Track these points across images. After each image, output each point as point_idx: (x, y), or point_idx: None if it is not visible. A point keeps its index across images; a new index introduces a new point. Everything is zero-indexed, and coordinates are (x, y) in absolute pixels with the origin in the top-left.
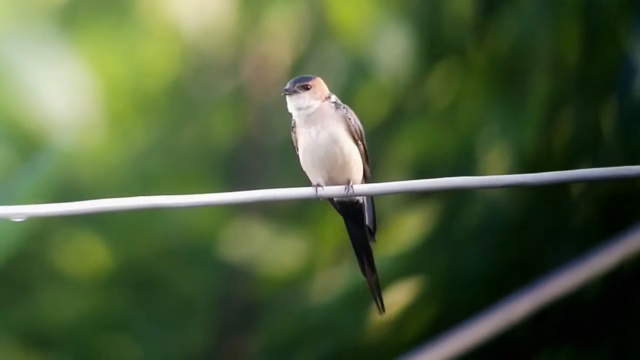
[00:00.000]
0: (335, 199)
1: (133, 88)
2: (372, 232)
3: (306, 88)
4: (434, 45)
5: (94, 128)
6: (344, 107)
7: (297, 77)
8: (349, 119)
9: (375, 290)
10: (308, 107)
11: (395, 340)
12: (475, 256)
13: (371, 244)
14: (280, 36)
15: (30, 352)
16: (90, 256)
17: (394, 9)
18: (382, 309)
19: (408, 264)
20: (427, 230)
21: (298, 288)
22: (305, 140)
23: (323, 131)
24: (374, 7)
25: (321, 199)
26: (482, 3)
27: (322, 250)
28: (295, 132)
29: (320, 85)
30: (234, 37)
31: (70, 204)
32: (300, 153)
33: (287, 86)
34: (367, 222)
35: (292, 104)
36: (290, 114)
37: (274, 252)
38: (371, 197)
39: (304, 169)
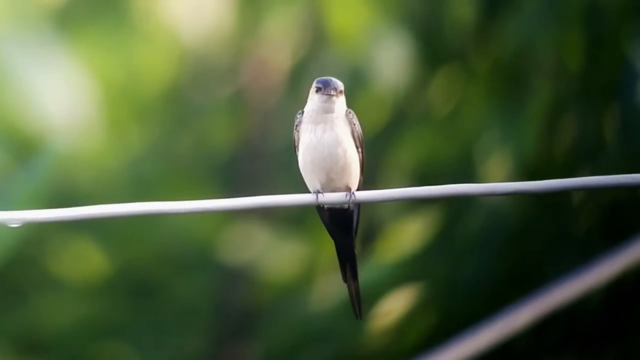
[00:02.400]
0: (326, 205)
1: (130, 92)
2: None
3: (341, 92)
4: (435, 51)
5: (91, 132)
6: (349, 111)
7: (326, 80)
8: (354, 124)
9: (355, 296)
10: (336, 112)
11: (395, 349)
12: (476, 264)
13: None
14: (279, 41)
15: (25, 359)
16: (86, 262)
17: (394, 15)
18: (359, 314)
19: (408, 271)
20: (427, 238)
21: (298, 294)
22: (310, 138)
23: (330, 131)
24: (374, 13)
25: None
26: (483, 9)
27: (322, 256)
28: (298, 131)
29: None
30: (233, 41)
31: (66, 209)
32: (300, 152)
33: (330, 91)
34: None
35: (329, 106)
36: (294, 115)
37: (273, 257)
38: (358, 205)
39: (302, 169)
